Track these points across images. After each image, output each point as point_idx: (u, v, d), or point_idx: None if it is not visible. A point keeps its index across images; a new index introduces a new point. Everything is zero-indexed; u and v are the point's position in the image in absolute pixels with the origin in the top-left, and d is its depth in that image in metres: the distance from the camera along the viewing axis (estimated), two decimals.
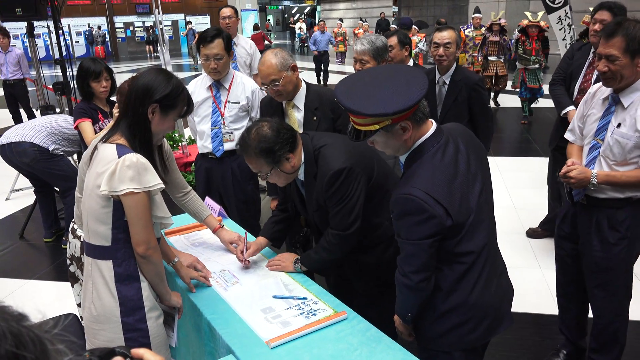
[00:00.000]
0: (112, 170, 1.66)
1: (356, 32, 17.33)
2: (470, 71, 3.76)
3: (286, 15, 40.10)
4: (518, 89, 8.38)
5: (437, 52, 3.27)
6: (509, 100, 9.80)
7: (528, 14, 7.91)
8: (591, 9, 3.48)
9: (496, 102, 9.65)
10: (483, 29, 9.15)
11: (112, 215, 1.72)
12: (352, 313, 1.95)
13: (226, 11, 4.78)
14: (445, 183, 1.61)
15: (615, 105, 2.24)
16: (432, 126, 1.70)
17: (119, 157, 1.68)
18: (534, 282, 3.62)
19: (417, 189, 1.58)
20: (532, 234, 4.37)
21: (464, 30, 9.70)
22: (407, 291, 1.71)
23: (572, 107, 3.45)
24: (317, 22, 21.67)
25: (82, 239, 2.38)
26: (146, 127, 1.78)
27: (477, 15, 9.58)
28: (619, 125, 2.21)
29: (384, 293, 2.20)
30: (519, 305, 3.01)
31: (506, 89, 9.50)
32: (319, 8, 30.35)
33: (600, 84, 2.35)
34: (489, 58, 8.94)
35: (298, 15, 36.91)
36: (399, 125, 1.61)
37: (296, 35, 26.97)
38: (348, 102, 1.59)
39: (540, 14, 7.78)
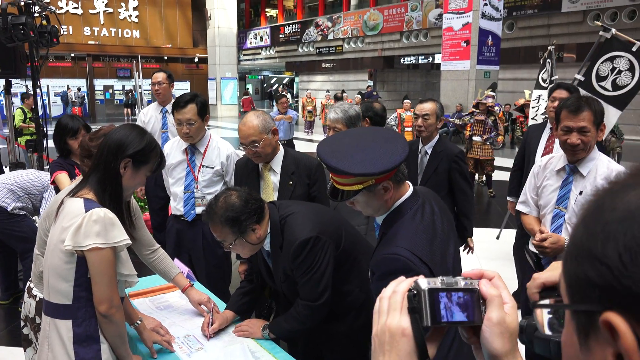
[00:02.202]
0: (78, 224, 1.63)
1: None
2: (452, 143, 3.90)
3: (265, 85, 41.16)
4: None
5: (417, 122, 3.43)
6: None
7: (526, 92, 7.07)
8: None
9: (489, 190, 8.34)
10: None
11: (74, 271, 1.66)
12: None
13: (158, 76, 4.43)
14: (427, 243, 1.62)
15: (573, 174, 2.39)
16: (409, 188, 1.73)
17: (86, 211, 1.65)
18: None
19: (402, 249, 1.57)
20: None
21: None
22: None
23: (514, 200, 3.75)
24: (295, 93, 22.04)
25: (37, 299, 2.27)
26: (117, 181, 1.77)
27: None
28: (580, 193, 2.34)
29: None
30: None
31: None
32: (297, 79, 31.28)
33: (548, 156, 2.51)
34: (473, 138, 7.96)
35: (277, 85, 37.96)
36: (381, 186, 1.62)
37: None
38: (334, 162, 1.59)
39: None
